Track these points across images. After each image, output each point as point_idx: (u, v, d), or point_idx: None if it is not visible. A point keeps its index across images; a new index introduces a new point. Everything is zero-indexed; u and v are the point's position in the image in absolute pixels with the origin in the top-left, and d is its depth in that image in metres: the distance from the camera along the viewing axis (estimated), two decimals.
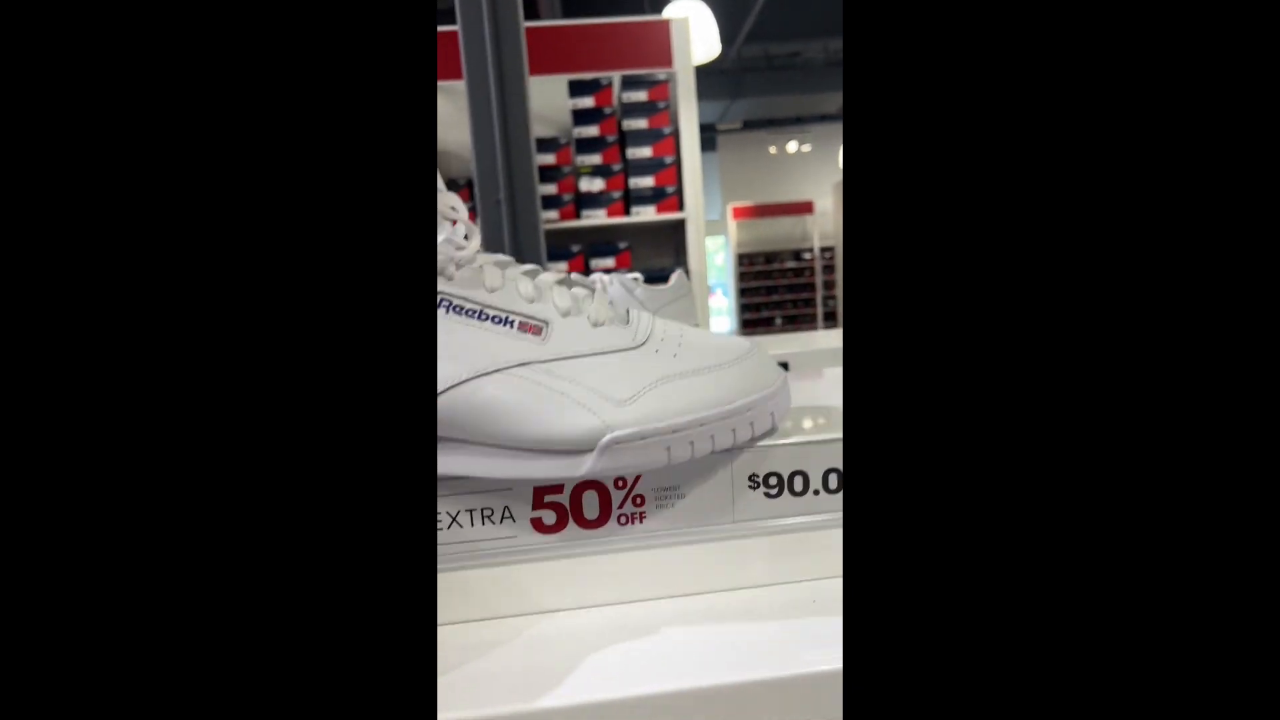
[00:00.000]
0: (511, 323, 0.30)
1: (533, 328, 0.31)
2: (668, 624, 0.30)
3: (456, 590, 0.31)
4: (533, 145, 1.12)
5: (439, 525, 0.31)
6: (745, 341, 0.33)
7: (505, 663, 0.28)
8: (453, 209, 0.31)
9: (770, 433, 0.32)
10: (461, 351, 0.29)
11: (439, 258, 0.30)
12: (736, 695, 0.26)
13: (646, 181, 2.05)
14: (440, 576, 0.31)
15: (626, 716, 0.26)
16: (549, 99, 2.06)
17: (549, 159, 2.01)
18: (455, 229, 0.31)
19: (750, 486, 0.32)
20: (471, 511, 0.31)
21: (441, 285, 0.30)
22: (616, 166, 2.04)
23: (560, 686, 0.26)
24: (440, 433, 0.30)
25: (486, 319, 0.30)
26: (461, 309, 0.30)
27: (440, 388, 0.29)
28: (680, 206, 2.07)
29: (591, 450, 0.29)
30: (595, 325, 0.31)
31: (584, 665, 0.27)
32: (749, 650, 0.28)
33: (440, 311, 0.30)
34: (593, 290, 0.33)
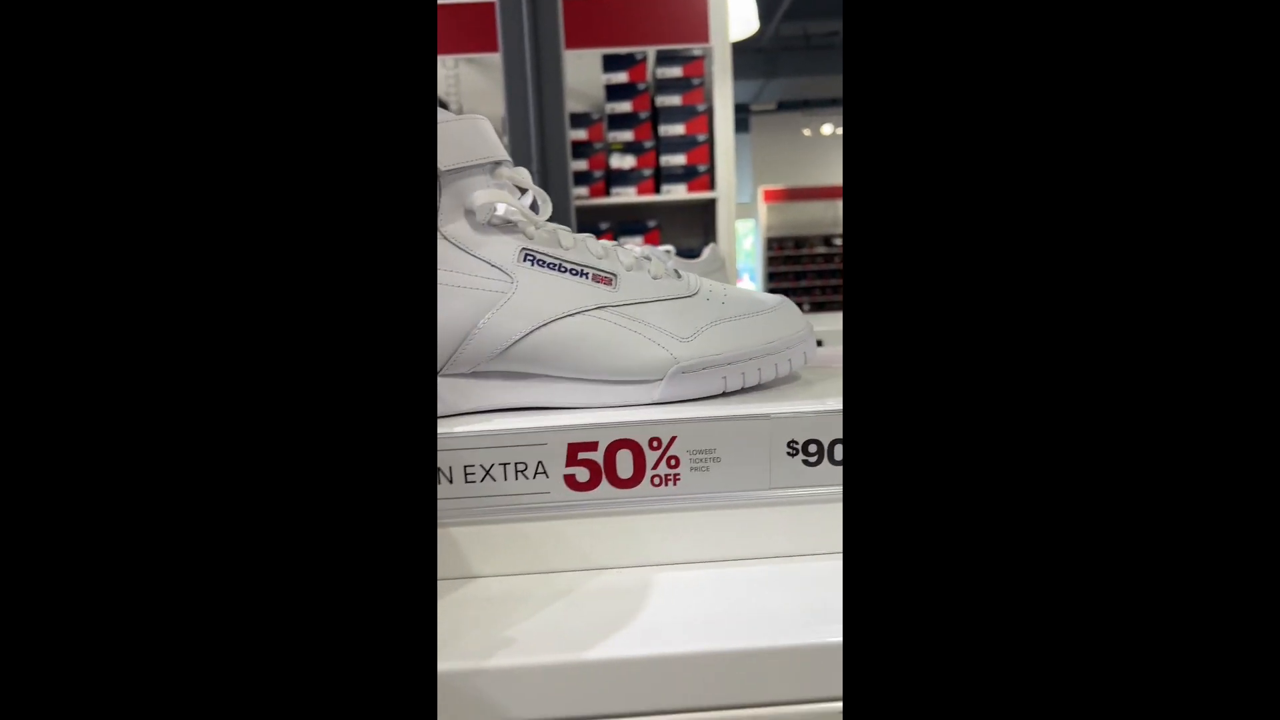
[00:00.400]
0: (586, 274, 0.35)
1: (604, 278, 0.35)
2: (695, 588, 0.30)
3: (481, 543, 0.31)
4: (566, 121, 1.11)
5: (472, 478, 0.31)
6: (777, 296, 0.39)
7: (524, 618, 0.28)
8: (523, 181, 0.35)
9: (801, 370, 0.38)
10: (546, 296, 0.34)
11: (519, 219, 0.34)
12: (751, 662, 0.26)
13: (678, 159, 2.02)
14: (466, 529, 0.31)
15: (639, 674, 0.25)
16: (583, 73, 2.04)
17: (581, 134, 2.00)
18: (526, 196, 0.36)
19: (789, 453, 0.32)
20: (505, 465, 0.31)
21: (524, 242, 0.34)
22: (648, 143, 2.02)
23: (578, 643, 0.26)
24: (527, 369, 0.34)
25: (565, 270, 0.35)
26: (544, 262, 0.34)
27: (530, 327, 0.33)
28: (711, 185, 2.04)
29: (661, 379, 0.33)
30: (655, 278, 0.36)
31: (606, 623, 0.27)
32: (773, 618, 0.27)
33: (525, 265, 0.34)
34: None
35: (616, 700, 0.25)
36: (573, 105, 2.07)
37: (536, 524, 0.31)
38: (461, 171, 0.33)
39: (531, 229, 0.35)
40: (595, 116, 2.01)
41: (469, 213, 0.33)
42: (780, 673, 0.26)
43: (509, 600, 0.29)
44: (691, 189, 2.03)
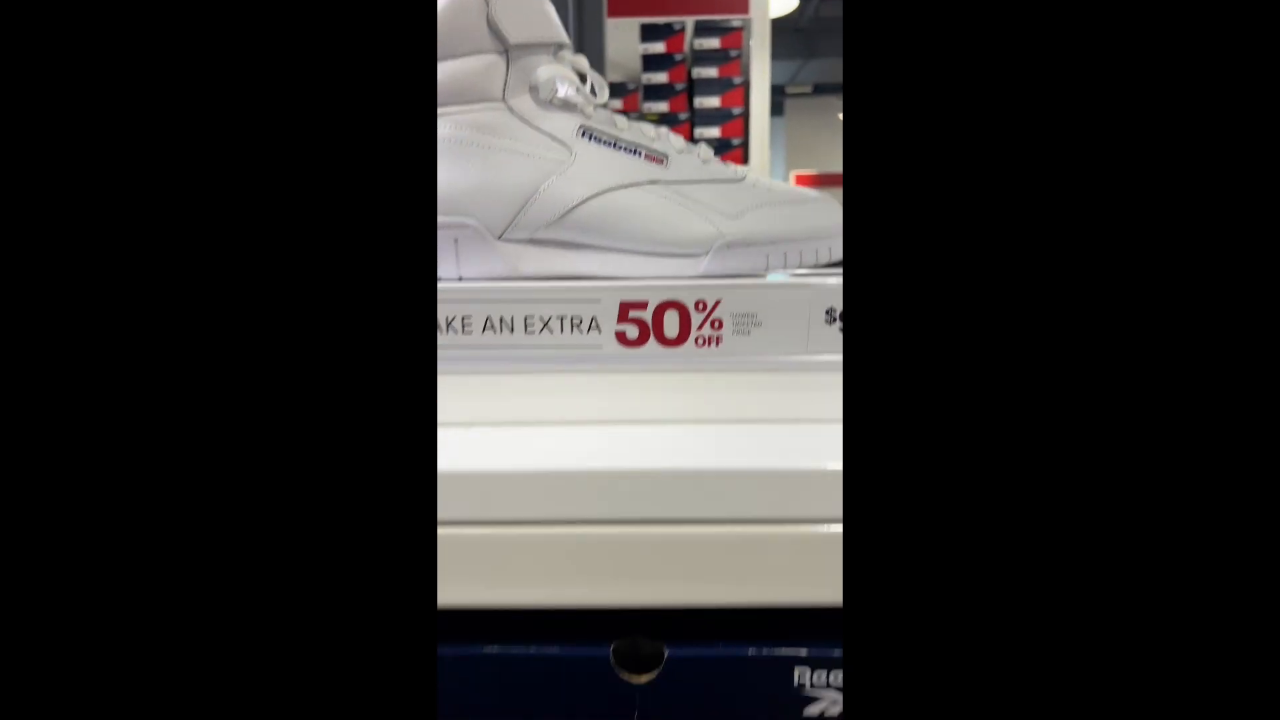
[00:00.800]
0: (639, 152, 0.37)
1: (656, 158, 0.37)
2: (727, 437, 0.32)
3: (530, 392, 0.33)
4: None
5: (532, 329, 0.33)
6: (816, 192, 0.41)
7: (561, 445, 0.30)
8: (582, 66, 0.38)
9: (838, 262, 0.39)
10: (602, 169, 0.36)
11: (578, 99, 0.37)
12: (763, 480, 0.27)
13: (712, 132, 2.03)
14: (520, 378, 0.33)
15: (656, 484, 0.27)
16: (620, 42, 2.05)
17: (616, 105, 2.01)
18: (586, 83, 0.38)
19: (826, 321, 0.34)
20: (562, 318, 0.33)
21: (582, 120, 0.37)
22: (683, 115, 2.03)
23: (604, 456, 0.28)
24: (582, 240, 0.36)
25: (620, 148, 0.37)
26: (601, 139, 0.37)
27: (588, 194, 0.35)
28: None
29: (707, 253, 0.35)
30: (704, 162, 0.38)
31: (636, 449, 0.29)
32: (789, 451, 0.29)
33: (583, 139, 0.37)
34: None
35: (637, 507, 0.27)
36: (610, 75, 2.08)
37: (588, 375, 0.34)
38: (529, 48, 0.35)
39: (590, 109, 0.37)
40: (631, 87, 2.02)
41: (533, 89, 0.36)
42: (785, 492, 0.28)
43: (552, 437, 0.31)
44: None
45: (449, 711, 0.28)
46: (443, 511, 0.27)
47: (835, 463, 0.28)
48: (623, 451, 0.29)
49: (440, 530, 0.27)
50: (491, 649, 0.28)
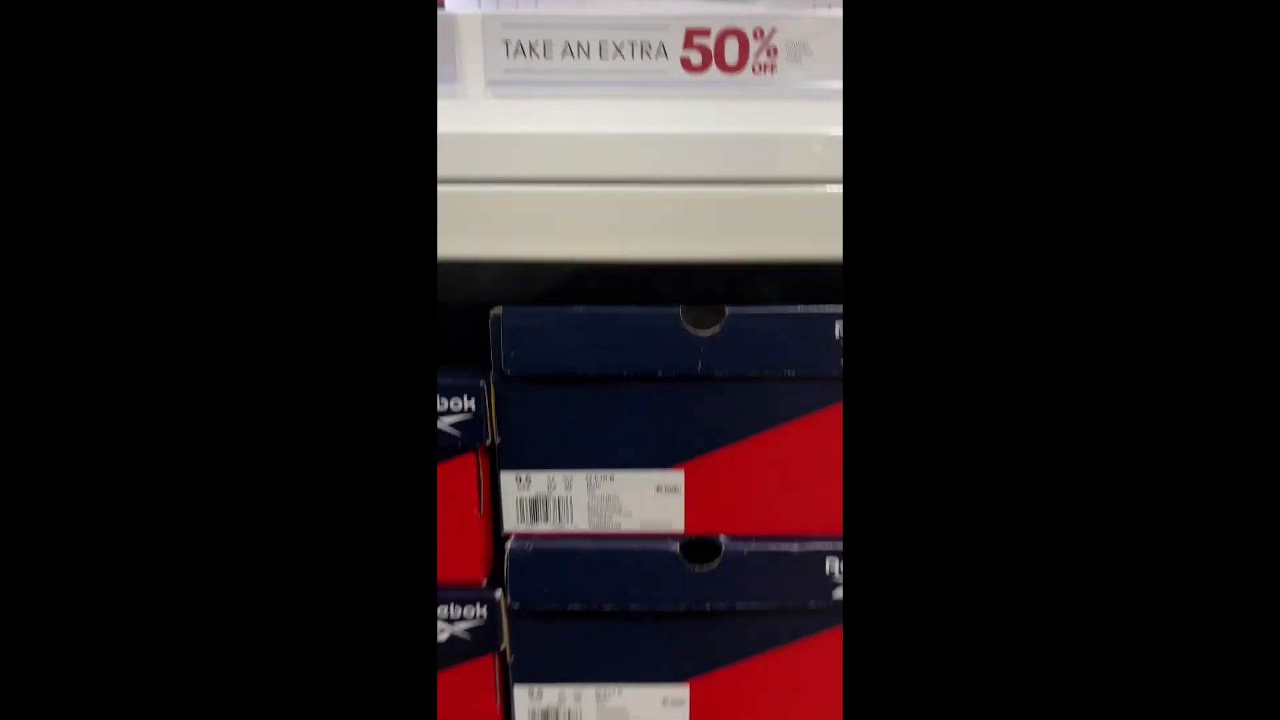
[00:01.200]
0: None
1: None
2: None
3: (583, 114, 0.37)
4: None
5: (606, 54, 0.37)
6: None
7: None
8: None
9: None
10: None
11: None
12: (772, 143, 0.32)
13: None
14: (593, 101, 0.37)
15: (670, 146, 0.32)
16: None
17: None
18: None
19: None
20: (633, 43, 0.37)
21: None
22: None
23: None
24: None
25: None
26: None
27: None
28: None
29: None
30: None
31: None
32: None
33: None
34: None
35: (642, 167, 0.32)
36: None
37: (655, 101, 0.37)
38: None
39: None
40: None
41: None
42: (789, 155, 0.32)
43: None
44: None
45: (548, 349, 0.34)
46: (526, 170, 0.31)
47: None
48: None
49: (525, 188, 0.32)
50: (579, 309, 0.34)
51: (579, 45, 0.37)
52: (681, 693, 0.38)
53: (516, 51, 0.37)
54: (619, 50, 0.37)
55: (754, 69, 0.37)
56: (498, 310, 0.34)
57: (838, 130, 0.32)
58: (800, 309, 0.33)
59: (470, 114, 0.36)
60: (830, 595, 0.36)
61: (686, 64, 0.37)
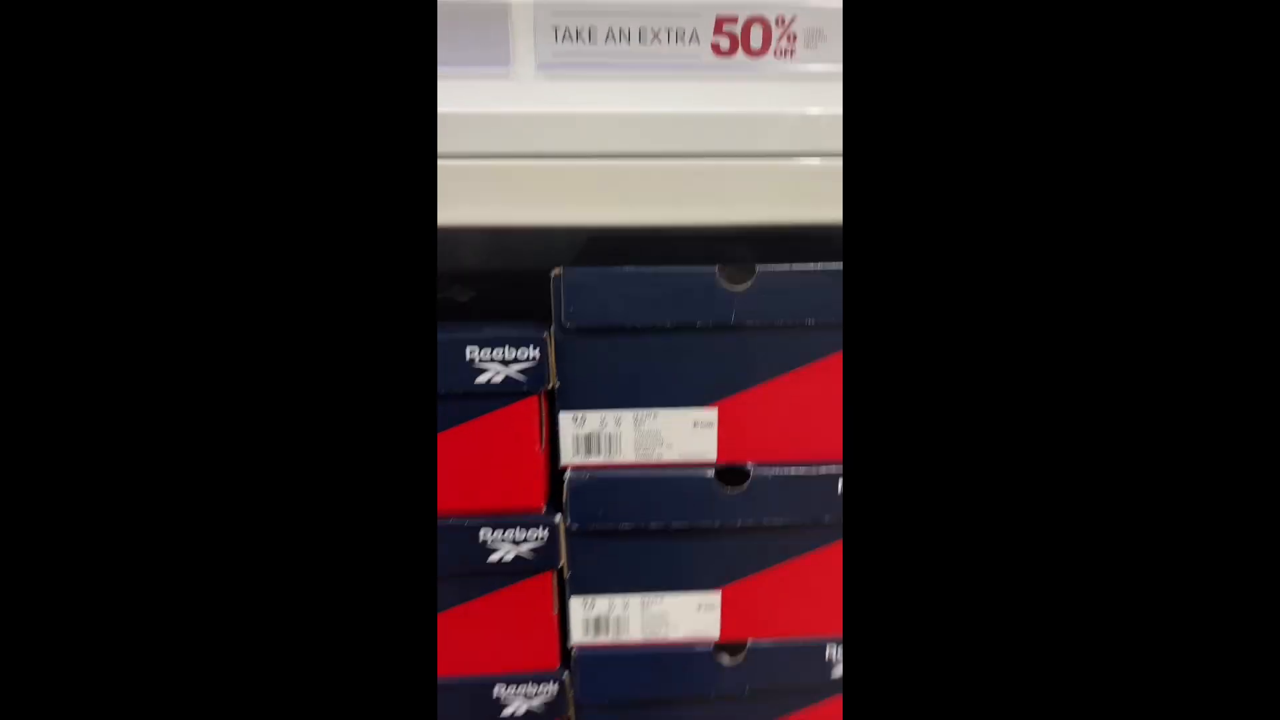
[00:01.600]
0: None
1: None
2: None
3: (624, 94, 0.42)
4: None
5: (643, 39, 0.41)
6: None
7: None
8: None
9: None
10: None
11: None
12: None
13: None
14: (620, 81, 0.42)
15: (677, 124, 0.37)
16: None
17: None
18: None
19: None
20: (668, 29, 0.41)
21: None
22: None
23: None
24: None
25: None
26: None
27: None
28: None
29: None
30: None
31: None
32: None
33: None
34: None
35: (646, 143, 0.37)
36: None
37: (687, 83, 0.42)
38: None
39: None
40: None
41: None
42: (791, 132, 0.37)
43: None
44: None
45: (601, 304, 0.39)
46: (564, 145, 0.36)
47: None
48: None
49: (559, 162, 0.36)
50: (629, 269, 0.39)
51: (621, 31, 0.41)
52: (714, 598, 0.44)
53: (565, 37, 0.41)
54: (655, 36, 0.41)
55: (775, 53, 0.42)
56: (558, 270, 0.38)
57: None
58: (820, 267, 0.38)
59: (522, 94, 0.41)
60: (840, 510, 0.42)
61: (716, 48, 0.42)
